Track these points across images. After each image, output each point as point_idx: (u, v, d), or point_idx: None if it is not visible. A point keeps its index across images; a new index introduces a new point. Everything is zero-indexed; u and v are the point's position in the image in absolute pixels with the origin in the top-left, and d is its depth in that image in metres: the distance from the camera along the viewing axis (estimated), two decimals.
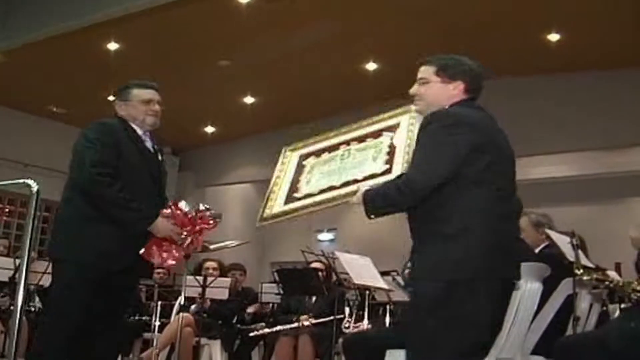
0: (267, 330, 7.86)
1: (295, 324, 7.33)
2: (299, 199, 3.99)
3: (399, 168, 3.67)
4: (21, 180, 4.13)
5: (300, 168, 4.20)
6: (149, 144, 4.53)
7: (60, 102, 13.25)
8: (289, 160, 4.36)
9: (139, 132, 4.49)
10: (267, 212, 4.09)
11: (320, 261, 7.90)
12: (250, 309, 8.84)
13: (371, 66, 11.54)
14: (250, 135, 14.94)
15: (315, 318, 7.35)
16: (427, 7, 9.69)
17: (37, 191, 4.02)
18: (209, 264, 8.30)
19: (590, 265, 5.03)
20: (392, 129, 3.93)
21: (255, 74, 11.93)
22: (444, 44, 10.17)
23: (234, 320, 8.42)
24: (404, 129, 3.86)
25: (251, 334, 8.12)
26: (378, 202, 3.42)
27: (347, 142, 4.10)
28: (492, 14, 9.87)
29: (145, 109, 4.47)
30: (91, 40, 10.62)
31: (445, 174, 3.24)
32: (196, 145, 16.23)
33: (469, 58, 3.60)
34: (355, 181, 3.76)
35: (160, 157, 4.61)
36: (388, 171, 3.69)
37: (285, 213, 4.03)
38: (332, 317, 6.93)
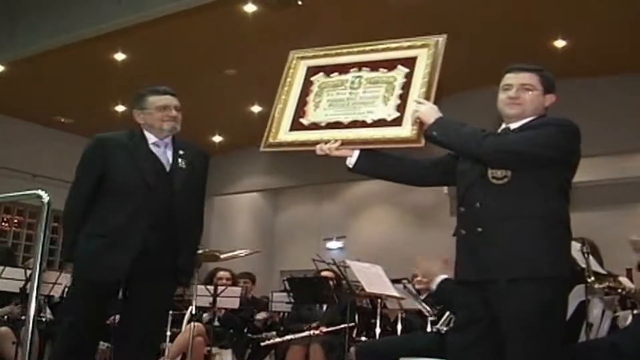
0: (278, 339, 7.83)
1: (306, 333, 7.30)
2: (306, 127, 3.85)
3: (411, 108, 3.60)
4: (32, 192, 4.16)
5: (307, 84, 4.03)
6: (160, 150, 4.54)
7: (68, 112, 13.27)
8: (295, 69, 4.16)
9: (153, 139, 4.53)
10: (273, 136, 3.94)
11: (331, 270, 7.88)
12: (259, 316, 8.81)
13: None
14: (258, 144, 14.84)
15: (326, 327, 7.33)
16: (431, 11, 9.67)
17: (49, 202, 4.05)
18: (221, 273, 8.27)
19: (602, 271, 5.00)
20: (408, 62, 3.77)
21: (261, 83, 11.81)
22: (449, 51, 10.20)
23: (245, 330, 8.41)
24: (422, 65, 3.72)
25: (262, 344, 8.10)
26: (451, 129, 3.44)
27: (359, 66, 3.92)
28: (498, 20, 9.86)
29: (162, 115, 4.52)
30: (98, 50, 10.63)
31: (547, 156, 3.38)
32: None
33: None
34: (364, 124, 3.67)
35: (181, 163, 4.57)
36: (398, 122, 3.59)
37: (290, 144, 3.89)
38: (343, 326, 6.92)
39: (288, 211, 17.71)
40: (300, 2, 8.86)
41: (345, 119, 3.73)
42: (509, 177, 3.41)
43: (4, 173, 12.70)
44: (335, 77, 3.95)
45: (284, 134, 3.91)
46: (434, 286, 4.27)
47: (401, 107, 3.62)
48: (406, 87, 3.68)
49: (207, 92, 12.28)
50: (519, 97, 3.56)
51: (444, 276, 4.25)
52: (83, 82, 11.71)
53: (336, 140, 3.64)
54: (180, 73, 11.46)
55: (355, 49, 4.02)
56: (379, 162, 3.78)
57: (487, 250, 3.40)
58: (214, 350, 7.62)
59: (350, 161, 3.74)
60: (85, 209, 4.37)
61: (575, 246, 4.87)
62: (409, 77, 3.71)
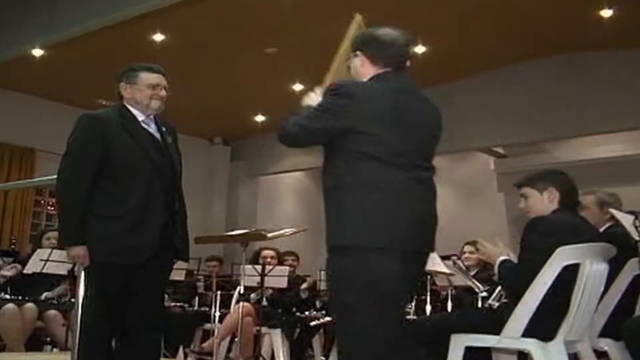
0: (327, 318, 7.83)
1: None
2: None
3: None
4: None
5: None
6: (152, 128, 4.52)
7: (108, 94, 13.25)
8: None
9: (140, 117, 4.50)
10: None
11: None
12: (304, 285, 8.76)
13: (420, 49, 11.40)
14: None
15: None
16: None
17: None
18: (266, 252, 8.26)
19: None
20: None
21: (303, 61, 11.83)
22: (495, 22, 10.06)
23: (294, 309, 8.41)
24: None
25: (312, 323, 8.10)
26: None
27: None
28: None
29: (152, 93, 4.47)
30: (137, 31, 10.62)
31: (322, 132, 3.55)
32: (247, 135, 16.20)
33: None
34: None
35: (169, 140, 4.56)
36: None
37: None
38: None
39: None
40: None
41: None
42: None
43: (47, 157, 12.79)
44: None
45: None
46: (495, 268, 4.29)
47: None
48: None
49: (248, 71, 12.26)
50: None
51: (503, 257, 4.23)
52: (122, 64, 11.67)
53: None
54: (220, 52, 11.44)
55: None
56: None
57: None
58: (264, 330, 7.62)
59: None
60: (90, 190, 4.26)
61: (629, 219, 4.78)
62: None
